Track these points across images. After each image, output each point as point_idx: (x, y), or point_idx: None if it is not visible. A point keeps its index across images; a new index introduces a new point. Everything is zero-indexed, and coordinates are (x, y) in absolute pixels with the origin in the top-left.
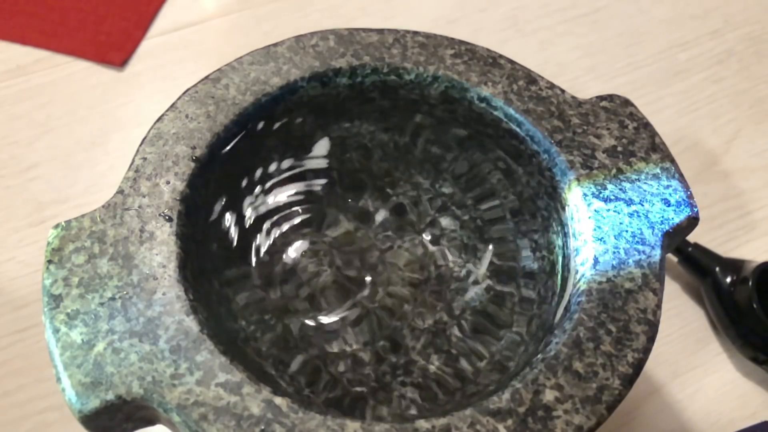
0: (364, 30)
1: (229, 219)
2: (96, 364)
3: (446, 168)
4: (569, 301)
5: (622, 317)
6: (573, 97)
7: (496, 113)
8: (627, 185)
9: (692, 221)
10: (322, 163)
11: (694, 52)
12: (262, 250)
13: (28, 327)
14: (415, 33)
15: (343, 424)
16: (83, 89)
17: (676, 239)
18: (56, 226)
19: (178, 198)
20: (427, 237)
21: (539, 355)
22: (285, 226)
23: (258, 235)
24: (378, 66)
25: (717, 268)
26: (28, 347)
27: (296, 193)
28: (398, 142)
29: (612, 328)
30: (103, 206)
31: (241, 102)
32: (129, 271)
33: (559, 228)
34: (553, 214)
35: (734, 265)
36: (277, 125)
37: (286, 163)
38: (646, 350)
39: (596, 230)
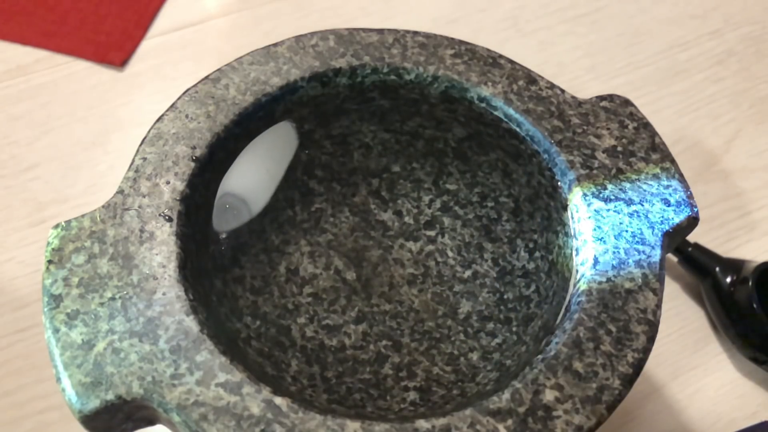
0: (364, 30)
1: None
2: (96, 364)
3: (450, 163)
4: (569, 301)
5: (622, 317)
6: (573, 97)
7: (496, 113)
8: (627, 185)
9: (692, 221)
10: (321, 161)
11: (694, 52)
12: (263, 249)
13: (28, 327)
14: (415, 33)
15: (343, 424)
16: (83, 89)
17: (676, 239)
18: (56, 226)
19: (178, 198)
20: (429, 236)
21: (539, 355)
22: (285, 226)
23: (258, 235)
24: (378, 66)
25: (717, 268)
26: (28, 347)
27: (296, 192)
28: (400, 139)
29: (612, 328)
30: (103, 206)
31: (241, 102)
32: (129, 271)
33: (559, 228)
34: (553, 214)
35: (734, 265)
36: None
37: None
38: (646, 350)
39: (596, 230)
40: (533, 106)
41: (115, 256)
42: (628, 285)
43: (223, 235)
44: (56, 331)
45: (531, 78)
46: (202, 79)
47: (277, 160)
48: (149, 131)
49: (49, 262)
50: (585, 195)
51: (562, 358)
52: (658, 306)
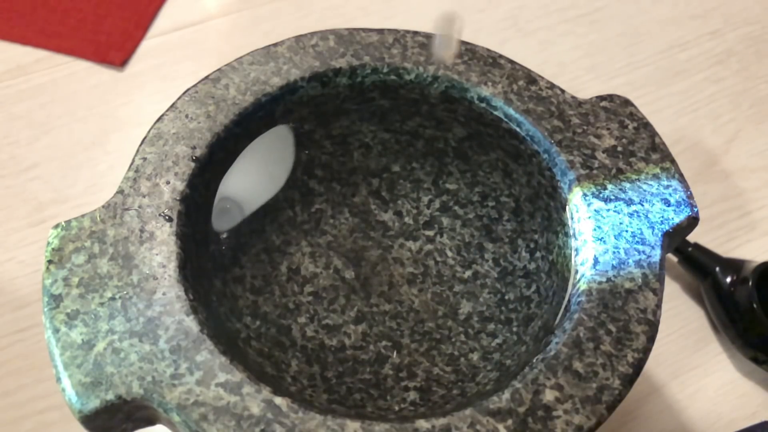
0: (364, 30)
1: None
2: (96, 364)
3: (450, 162)
4: (569, 301)
5: (622, 317)
6: (573, 97)
7: (496, 113)
8: (627, 185)
9: (692, 221)
10: (321, 161)
11: (694, 52)
12: (263, 249)
13: (28, 327)
14: (415, 33)
15: (343, 424)
16: (83, 89)
17: (676, 239)
18: (56, 226)
19: (178, 198)
20: (427, 235)
21: (539, 355)
22: (285, 226)
23: (258, 235)
24: (378, 66)
25: (717, 268)
26: (28, 347)
27: (296, 192)
28: (399, 139)
29: (612, 328)
30: (103, 206)
31: (241, 102)
32: (129, 271)
33: (559, 228)
34: (553, 214)
35: (734, 265)
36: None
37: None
38: (646, 350)
39: (596, 230)
40: (533, 106)
41: (115, 256)
42: (628, 285)
43: (224, 235)
44: (56, 331)
45: (531, 78)
46: (202, 79)
47: (277, 160)
48: (149, 131)
49: (49, 262)
50: (585, 195)
51: (562, 358)
52: (658, 306)
